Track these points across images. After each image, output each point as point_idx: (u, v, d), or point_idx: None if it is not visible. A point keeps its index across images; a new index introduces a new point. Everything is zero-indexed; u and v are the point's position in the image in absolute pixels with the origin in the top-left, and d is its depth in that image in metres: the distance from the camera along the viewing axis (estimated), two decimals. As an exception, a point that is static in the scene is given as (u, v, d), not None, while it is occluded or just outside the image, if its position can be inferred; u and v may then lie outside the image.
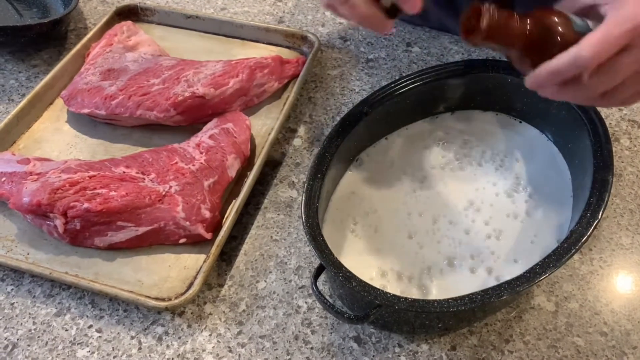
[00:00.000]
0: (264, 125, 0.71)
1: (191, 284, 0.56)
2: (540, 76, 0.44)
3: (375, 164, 0.62)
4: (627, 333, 0.53)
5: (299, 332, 0.54)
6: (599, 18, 0.44)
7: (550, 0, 0.49)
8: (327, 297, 0.48)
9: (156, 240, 0.59)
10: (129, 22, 0.81)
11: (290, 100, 0.70)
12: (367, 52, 0.80)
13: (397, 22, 0.84)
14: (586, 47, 0.42)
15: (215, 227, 0.60)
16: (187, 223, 0.58)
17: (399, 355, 0.52)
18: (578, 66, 0.42)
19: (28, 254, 0.60)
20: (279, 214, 0.63)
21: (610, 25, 0.42)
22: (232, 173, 0.63)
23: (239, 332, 0.54)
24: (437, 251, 0.55)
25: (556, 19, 0.46)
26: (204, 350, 0.53)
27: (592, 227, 0.48)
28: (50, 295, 0.58)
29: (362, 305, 0.50)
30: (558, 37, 0.45)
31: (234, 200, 0.62)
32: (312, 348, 0.53)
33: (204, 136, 0.65)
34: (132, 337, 0.54)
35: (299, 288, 0.57)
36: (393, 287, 0.53)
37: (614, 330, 0.53)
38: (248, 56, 0.74)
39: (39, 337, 0.55)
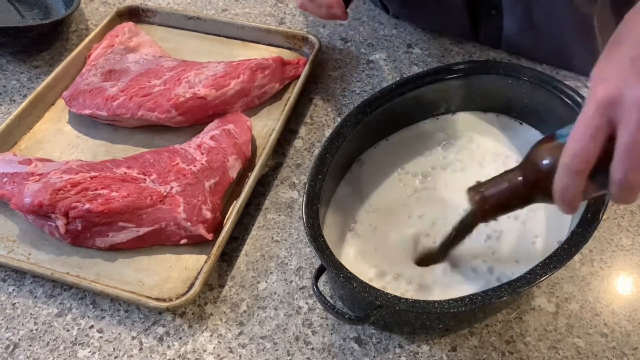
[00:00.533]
0: (265, 126, 0.71)
1: (192, 285, 0.56)
2: (560, 202, 0.42)
3: (376, 165, 0.62)
4: (627, 334, 0.53)
5: (300, 332, 0.54)
6: None
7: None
8: (328, 298, 0.48)
9: (157, 240, 0.60)
10: (131, 23, 0.81)
11: (291, 101, 0.70)
12: (368, 53, 0.80)
13: (398, 23, 0.84)
14: (565, 154, 0.40)
15: (216, 228, 0.60)
16: (188, 224, 0.58)
17: (400, 356, 0.52)
18: (572, 175, 0.40)
19: (29, 254, 0.60)
20: (279, 215, 0.63)
21: (580, 117, 0.40)
22: (233, 174, 0.64)
23: (240, 333, 0.54)
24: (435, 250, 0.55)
25: (538, 151, 0.45)
26: (204, 351, 0.53)
27: (593, 229, 0.48)
28: (52, 296, 0.58)
29: (362, 306, 0.50)
30: (548, 164, 0.44)
31: (235, 201, 0.62)
32: (312, 349, 0.53)
33: (205, 137, 0.66)
34: (133, 338, 0.55)
35: (300, 289, 0.57)
36: (392, 288, 0.53)
37: (615, 331, 0.53)
38: (249, 57, 0.74)
39: (40, 337, 0.55)
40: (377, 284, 0.52)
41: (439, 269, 0.54)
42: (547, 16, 0.71)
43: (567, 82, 0.59)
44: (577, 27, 0.70)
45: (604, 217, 0.50)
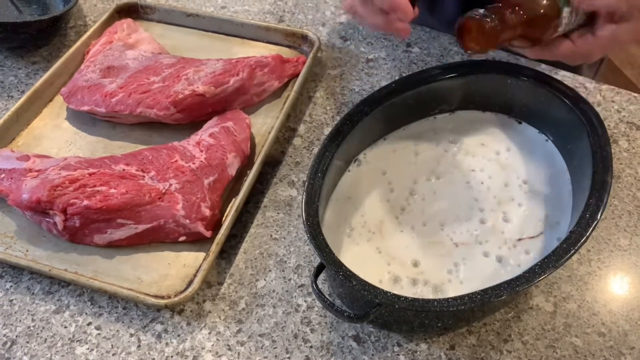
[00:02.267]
0: (264, 124, 0.71)
1: (191, 282, 0.56)
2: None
3: (375, 164, 0.62)
4: (624, 334, 0.53)
5: (299, 330, 0.54)
6: None
7: None
8: (327, 296, 0.48)
9: (156, 238, 0.59)
10: (129, 20, 0.81)
11: (290, 99, 0.70)
12: (367, 52, 0.80)
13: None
14: None
15: (215, 226, 0.60)
16: (187, 221, 0.58)
17: (398, 355, 0.53)
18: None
19: (27, 250, 0.60)
20: (278, 213, 0.63)
21: None
22: (232, 171, 0.64)
23: (239, 331, 0.54)
24: (436, 251, 0.56)
25: None
26: (203, 348, 0.53)
27: (591, 228, 0.48)
28: (50, 292, 0.58)
29: (361, 304, 0.50)
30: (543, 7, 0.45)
31: (233, 199, 0.62)
32: (311, 347, 0.53)
33: (204, 134, 0.65)
34: (132, 335, 0.54)
35: (299, 287, 0.57)
36: (388, 288, 0.53)
37: (612, 330, 0.54)
38: (248, 55, 0.74)
39: (38, 334, 0.55)
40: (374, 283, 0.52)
41: (438, 267, 0.54)
42: None
43: (566, 82, 0.60)
44: None
45: (602, 217, 0.50)
